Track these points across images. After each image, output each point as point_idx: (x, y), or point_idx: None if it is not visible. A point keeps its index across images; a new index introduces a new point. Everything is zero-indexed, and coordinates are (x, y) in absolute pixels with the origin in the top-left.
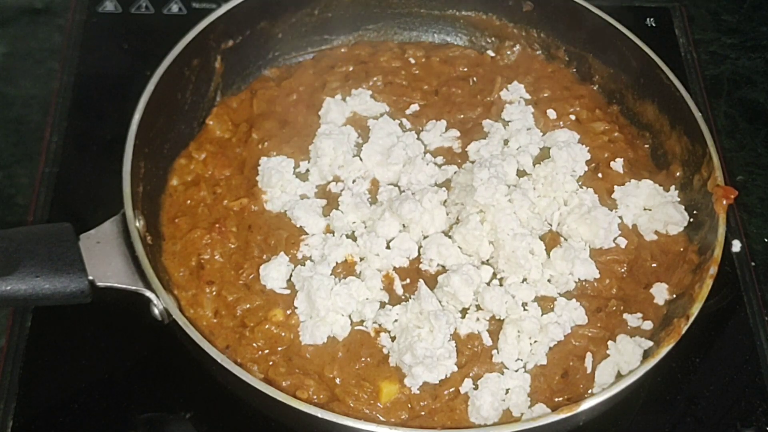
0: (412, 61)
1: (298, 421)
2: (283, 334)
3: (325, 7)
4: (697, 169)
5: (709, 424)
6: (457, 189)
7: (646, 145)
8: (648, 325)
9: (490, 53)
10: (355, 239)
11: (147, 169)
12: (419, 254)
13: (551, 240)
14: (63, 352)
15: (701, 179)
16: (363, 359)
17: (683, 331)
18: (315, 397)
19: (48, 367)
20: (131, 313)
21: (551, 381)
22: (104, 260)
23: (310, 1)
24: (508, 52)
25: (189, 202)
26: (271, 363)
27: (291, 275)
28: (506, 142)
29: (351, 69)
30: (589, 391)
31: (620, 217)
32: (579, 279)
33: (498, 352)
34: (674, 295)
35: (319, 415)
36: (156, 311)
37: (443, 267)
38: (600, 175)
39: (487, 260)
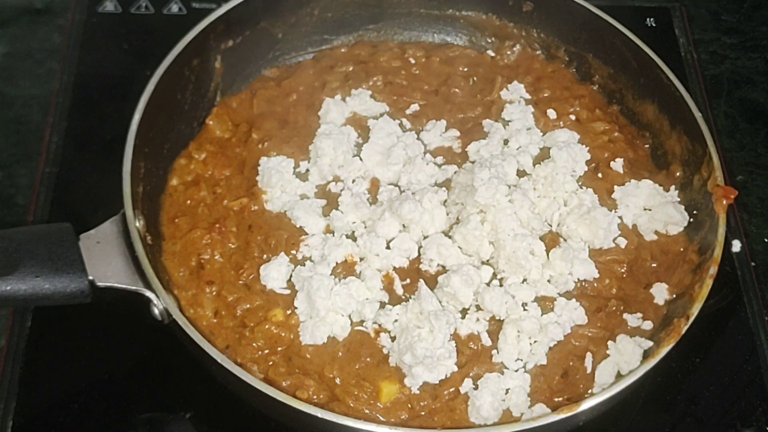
0: (412, 61)
1: (298, 421)
2: (283, 334)
3: (325, 7)
4: (697, 169)
5: (709, 424)
6: (457, 189)
7: (646, 145)
8: (648, 325)
9: (490, 53)
10: (355, 239)
11: (147, 169)
12: (419, 254)
13: (551, 241)
14: (63, 352)
15: (701, 179)
16: (363, 359)
17: (683, 331)
18: (315, 397)
19: (48, 367)
20: (131, 313)
21: (551, 381)
22: (104, 260)
23: (310, 1)
24: (508, 52)
25: (189, 202)
26: (271, 363)
27: (291, 275)
28: (506, 142)
29: (351, 69)
30: (589, 391)
31: (620, 217)
32: (578, 279)
33: (498, 352)
34: (674, 295)
35: (319, 415)
36: (156, 311)
37: (443, 267)
38: (600, 175)
39: (488, 260)
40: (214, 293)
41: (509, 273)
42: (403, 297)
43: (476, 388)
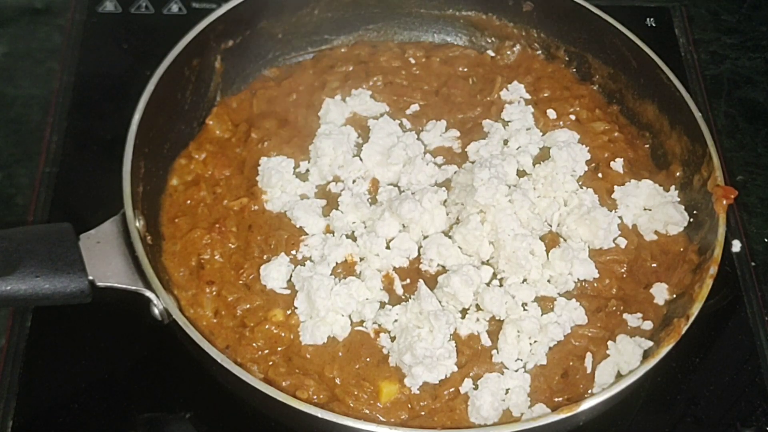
0: (412, 61)
1: (298, 421)
2: (283, 334)
3: (325, 7)
4: (697, 169)
5: (709, 424)
6: (457, 189)
7: (646, 145)
8: (648, 325)
9: (490, 53)
10: (355, 239)
11: (147, 169)
12: (419, 254)
13: (551, 241)
14: (63, 352)
15: (701, 179)
16: (363, 359)
17: (683, 331)
18: (315, 397)
19: (48, 367)
20: (131, 313)
21: (551, 381)
22: (104, 260)
23: (310, 1)
24: (508, 52)
25: (189, 202)
26: (271, 363)
27: (291, 275)
28: (506, 142)
29: (351, 69)
30: (589, 391)
31: (620, 217)
32: (578, 279)
33: (498, 352)
34: (674, 295)
35: (319, 415)
36: (156, 311)
37: (443, 267)
38: (600, 175)
39: (488, 260)
40: (214, 293)
41: (509, 273)
42: (403, 297)
43: (476, 388)
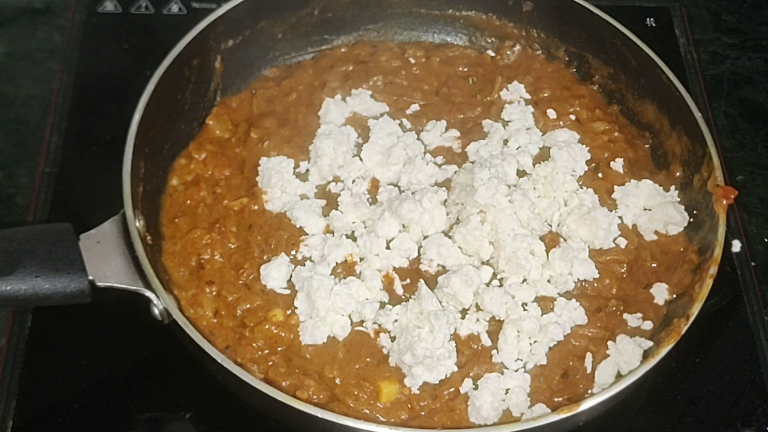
0: (412, 61)
1: (298, 421)
2: (283, 334)
3: (325, 7)
4: (697, 169)
5: (709, 424)
6: (457, 189)
7: (646, 145)
8: (648, 325)
9: (490, 53)
10: (354, 239)
11: (147, 169)
12: (419, 254)
13: (551, 241)
14: (63, 352)
15: (701, 179)
16: (363, 359)
17: (683, 331)
18: (315, 397)
19: (48, 367)
20: (131, 313)
21: (551, 381)
22: (104, 260)
23: (310, 1)
24: (508, 52)
25: (189, 202)
26: (271, 363)
27: (291, 275)
28: (506, 142)
29: (351, 69)
30: (589, 391)
31: (620, 218)
32: (578, 279)
33: (498, 352)
34: (674, 295)
35: (319, 415)
36: (156, 311)
37: (443, 267)
38: (600, 175)
39: (488, 261)
40: (214, 293)
41: (509, 273)
42: (403, 297)
43: (476, 388)
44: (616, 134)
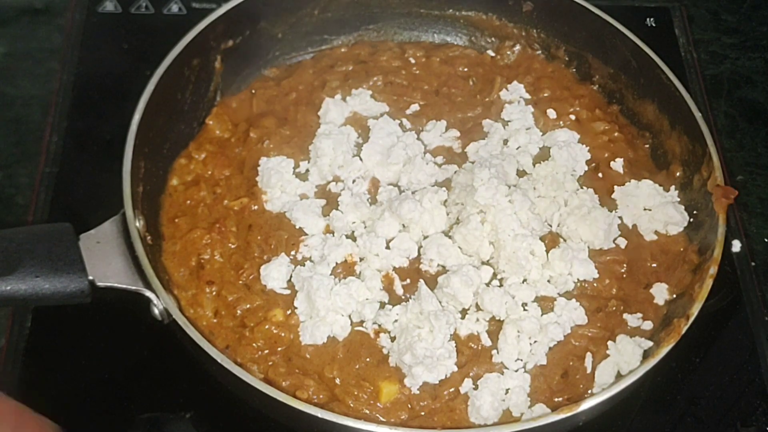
0: (412, 61)
1: (298, 421)
2: (283, 334)
3: (325, 7)
4: (697, 169)
5: (709, 424)
6: (457, 189)
7: (646, 145)
8: (648, 325)
9: (490, 53)
10: (354, 239)
11: (147, 169)
12: (419, 254)
13: (551, 241)
14: (63, 352)
15: (701, 179)
16: (363, 359)
17: (683, 331)
18: (315, 397)
19: (48, 367)
20: (131, 313)
21: (551, 381)
22: (104, 260)
23: (310, 1)
24: (508, 52)
25: (189, 202)
26: (270, 363)
27: (291, 275)
28: (506, 141)
29: (351, 69)
30: (589, 391)
31: (620, 218)
32: (578, 279)
33: (498, 352)
34: (674, 295)
35: (319, 415)
36: (156, 311)
37: (443, 267)
38: (600, 175)
39: (488, 261)
40: (214, 293)
41: (509, 273)
42: (403, 297)
43: (476, 388)
44: (616, 134)
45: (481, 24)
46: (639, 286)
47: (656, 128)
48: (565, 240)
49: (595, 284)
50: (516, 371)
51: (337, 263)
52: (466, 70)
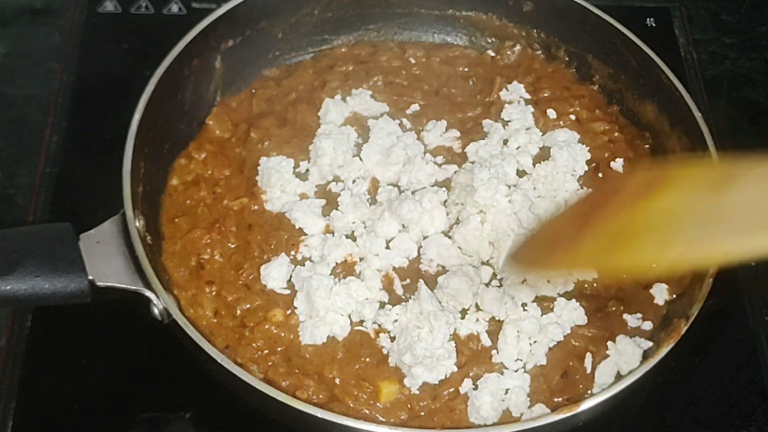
0: (412, 61)
1: (298, 421)
2: (282, 334)
3: (325, 7)
4: None
5: (709, 424)
6: (457, 189)
7: (646, 145)
8: (648, 325)
9: (490, 53)
10: (354, 239)
11: (147, 169)
12: (419, 254)
13: None
14: (63, 352)
15: None
16: (363, 359)
17: (683, 332)
18: (315, 397)
19: (48, 367)
20: (131, 313)
21: (551, 381)
22: (104, 260)
23: (310, 1)
24: (508, 52)
25: (189, 201)
26: (270, 363)
27: (291, 275)
28: (506, 141)
29: (351, 69)
30: (589, 392)
31: None
32: (578, 279)
33: (498, 353)
34: (674, 296)
35: (319, 415)
36: (156, 311)
37: (443, 267)
38: (600, 175)
39: (487, 261)
40: (214, 293)
41: (509, 273)
42: (403, 297)
43: (476, 388)
44: (616, 134)
45: (482, 24)
46: (639, 286)
47: (656, 128)
48: None
49: (594, 284)
50: (516, 371)
51: (336, 263)
52: (466, 70)
